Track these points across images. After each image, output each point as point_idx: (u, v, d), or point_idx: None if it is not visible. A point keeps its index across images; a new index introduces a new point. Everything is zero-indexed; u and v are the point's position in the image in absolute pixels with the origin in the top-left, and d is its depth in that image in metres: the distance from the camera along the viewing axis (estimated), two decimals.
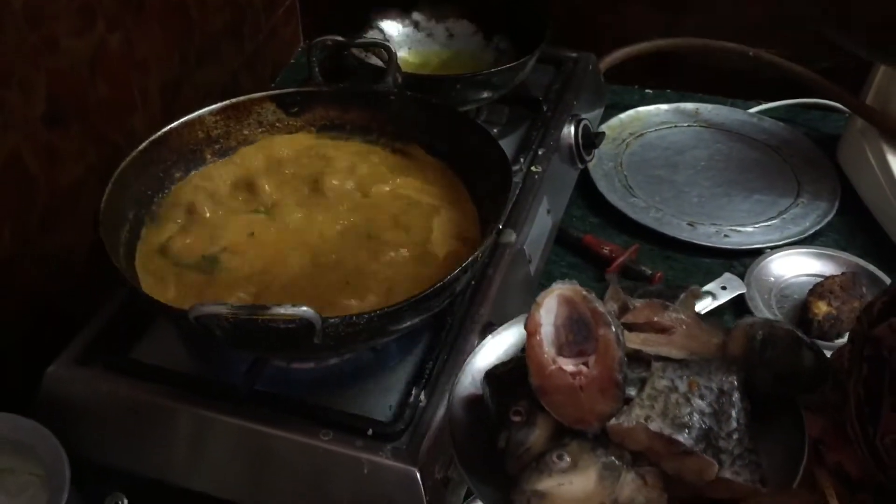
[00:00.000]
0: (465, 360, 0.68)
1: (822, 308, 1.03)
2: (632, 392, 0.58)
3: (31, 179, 0.92)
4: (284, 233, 0.86)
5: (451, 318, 0.86)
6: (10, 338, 0.92)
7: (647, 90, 1.46)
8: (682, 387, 0.58)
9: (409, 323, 0.75)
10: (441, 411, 0.78)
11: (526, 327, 0.59)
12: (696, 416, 0.56)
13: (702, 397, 0.57)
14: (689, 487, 0.57)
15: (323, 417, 0.77)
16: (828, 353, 0.99)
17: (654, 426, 0.55)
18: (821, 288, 1.05)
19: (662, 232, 1.17)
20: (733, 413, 0.58)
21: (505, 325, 0.70)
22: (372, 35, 1.23)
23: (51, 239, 0.96)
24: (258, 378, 0.80)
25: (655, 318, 0.62)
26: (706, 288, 1.07)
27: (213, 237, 0.85)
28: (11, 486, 0.83)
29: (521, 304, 1.00)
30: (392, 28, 1.25)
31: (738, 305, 1.07)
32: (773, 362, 0.61)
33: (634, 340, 0.60)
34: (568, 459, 0.56)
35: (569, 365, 0.58)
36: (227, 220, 0.87)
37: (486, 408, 0.64)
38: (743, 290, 1.07)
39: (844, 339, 1.03)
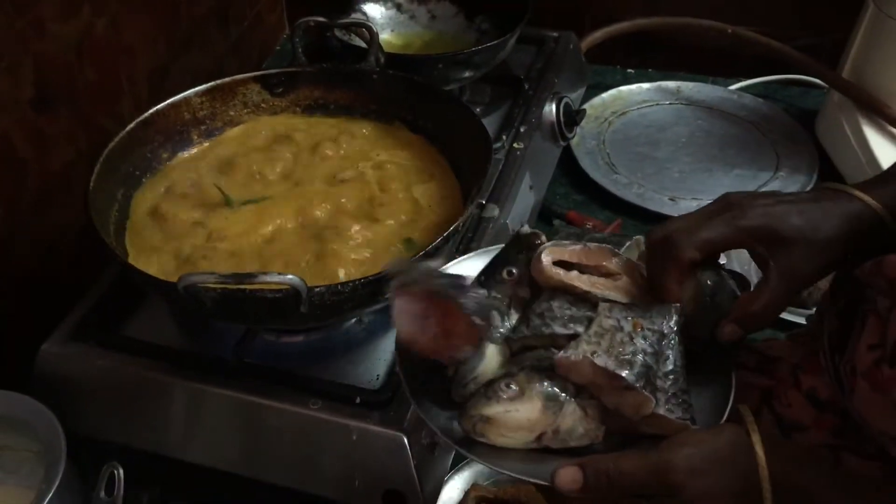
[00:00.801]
0: None
1: None
2: (579, 329, 0.60)
3: (21, 163, 0.93)
4: (274, 206, 0.87)
5: None
6: (4, 316, 0.94)
7: (628, 70, 1.48)
8: (627, 327, 0.60)
9: None
10: None
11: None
12: (638, 355, 0.59)
13: (644, 338, 0.60)
14: (624, 421, 0.60)
15: (312, 387, 0.79)
16: (804, 321, 1.02)
17: (600, 361, 0.58)
18: None
19: (645, 207, 1.19)
20: (671, 355, 0.61)
21: (454, 261, 0.73)
22: (355, 18, 1.24)
23: (43, 220, 0.98)
24: (248, 351, 0.82)
25: (604, 263, 0.64)
26: None
27: (206, 213, 0.86)
28: (8, 462, 0.85)
29: None
30: (375, 10, 1.26)
31: None
32: (720, 306, 0.64)
33: (584, 282, 0.62)
34: (515, 388, 0.59)
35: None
36: (214, 194, 0.89)
37: None
38: (723, 262, 1.09)
39: None
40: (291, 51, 1.01)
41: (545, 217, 1.18)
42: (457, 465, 0.88)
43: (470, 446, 0.60)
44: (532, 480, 0.58)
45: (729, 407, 0.62)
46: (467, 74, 1.12)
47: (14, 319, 0.95)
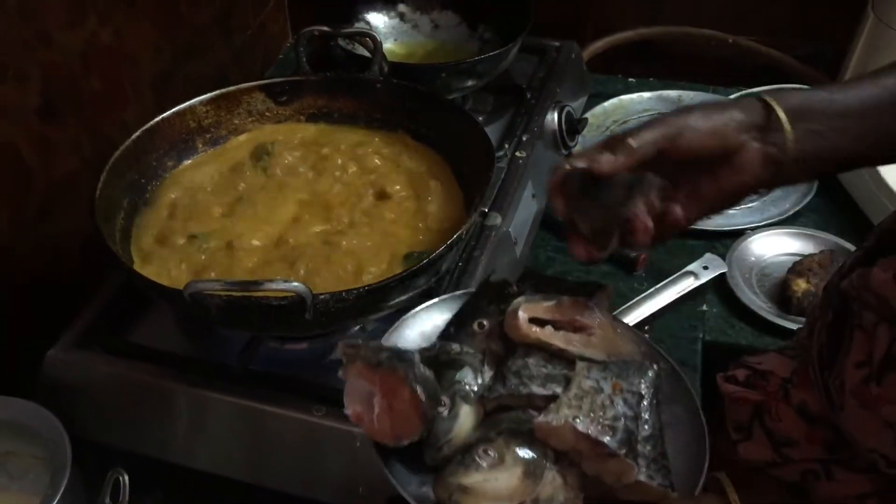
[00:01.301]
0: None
1: (801, 285, 1.06)
2: (557, 389, 0.58)
3: (27, 170, 0.94)
4: (275, 214, 0.88)
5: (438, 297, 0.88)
6: (9, 323, 0.94)
7: (630, 79, 1.49)
8: (607, 388, 0.58)
9: (396, 300, 0.77)
10: None
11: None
12: (620, 420, 0.57)
13: (624, 401, 0.58)
14: (604, 488, 0.57)
15: (315, 394, 0.80)
16: None
17: (582, 426, 0.56)
18: (800, 266, 1.08)
19: None
20: (649, 418, 0.59)
21: (424, 305, 0.69)
22: (358, 27, 1.25)
23: (47, 227, 0.98)
24: (252, 358, 0.82)
25: (577, 318, 0.63)
26: (689, 268, 1.10)
27: (210, 221, 0.87)
28: (14, 468, 0.86)
29: None
30: (378, 20, 1.27)
31: (720, 284, 1.10)
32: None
33: (560, 339, 0.61)
34: (494, 455, 0.56)
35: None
36: (225, 201, 0.90)
37: None
38: (724, 270, 1.10)
39: None
40: (295, 59, 1.02)
41: (548, 225, 1.18)
42: None
43: None
44: None
45: (704, 471, 0.59)
46: (470, 83, 1.12)
47: (19, 325, 0.95)
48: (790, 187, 1.24)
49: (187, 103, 0.94)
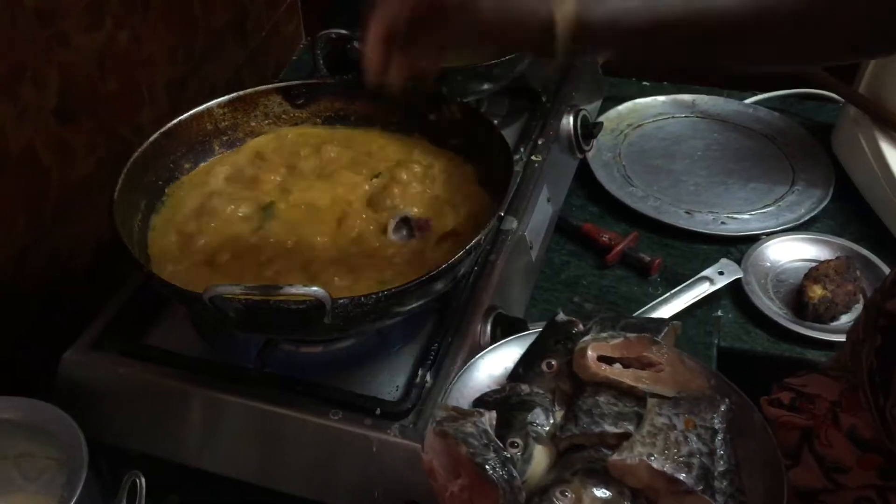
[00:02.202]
0: (458, 367, 0.70)
1: (817, 291, 1.06)
2: (629, 426, 0.59)
3: (44, 172, 0.94)
4: (298, 216, 0.88)
5: (455, 302, 0.88)
6: (26, 324, 0.95)
7: (644, 82, 1.49)
8: (680, 425, 0.58)
9: (415, 304, 0.77)
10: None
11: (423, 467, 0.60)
12: (695, 456, 0.57)
13: (698, 436, 0.58)
14: None
15: (332, 398, 0.80)
16: (824, 336, 1.02)
17: (657, 464, 0.56)
18: (816, 272, 1.08)
19: (661, 220, 1.20)
20: (724, 453, 0.59)
21: (491, 347, 0.70)
22: None
23: (63, 229, 0.98)
24: (269, 361, 0.82)
25: (645, 353, 0.63)
26: (704, 273, 1.10)
27: (227, 224, 0.87)
28: (30, 470, 0.86)
29: (522, 290, 1.03)
30: None
31: (736, 290, 1.09)
32: None
33: (629, 377, 0.61)
34: (570, 496, 0.56)
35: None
36: (240, 205, 0.90)
37: None
38: (740, 275, 1.09)
39: (840, 322, 1.06)
40: (311, 62, 1.02)
41: (562, 229, 1.18)
42: None
43: None
44: None
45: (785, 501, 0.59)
46: (486, 87, 1.12)
47: (36, 327, 0.95)
48: (805, 192, 1.24)
49: (204, 106, 0.94)
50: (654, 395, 0.61)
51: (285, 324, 0.74)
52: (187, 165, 0.94)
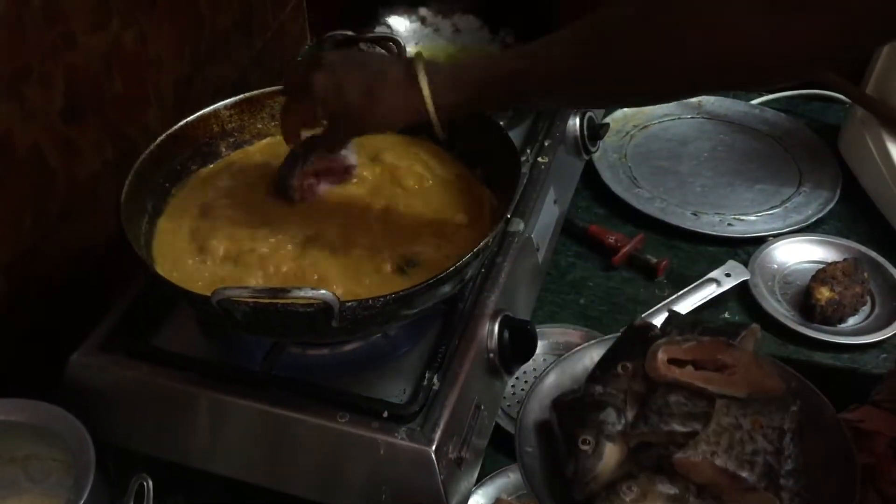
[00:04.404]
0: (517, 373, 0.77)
1: (824, 293, 1.05)
2: (697, 426, 0.60)
3: (50, 172, 0.94)
4: (300, 217, 0.88)
5: (462, 304, 0.88)
6: (33, 325, 0.95)
7: None
8: (747, 425, 0.60)
9: (422, 307, 0.77)
10: (454, 394, 0.80)
11: None
12: (759, 455, 0.59)
13: (765, 436, 0.60)
14: None
15: (339, 400, 0.79)
16: (831, 338, 1.01)
17: (720, 462, 0.58)
18: (823, 274, 1.07)
19: (667, 221, 1.19)
20: (792, 453, 0.61)
21: (570, 353, 0.75)
22: (379, 31, 1.25)
23: (69, 230, 0.98)
24: (276, 364, 0.82)
25: (718, 356, 0.65)
26: (711, 275, 1.09)
27: (233, 226, 0.87)
28: (37, 472, 0.86)
29: (529, 292, 1.03)
30: (399, 24, 1.27)
31: (743, 291, 1.09)
32: None
33: (699, 379, 0.63)
34: (637, 490, 0.59)
35: None
36: (248, 206, 0.90)
37: (554, 434, 0.68)
38: (747, 277, 1.09)
39: (848, 324, 1.06)
40: None
41: (569, 231, 1.18)
42: (481, 479, 0.88)
43: None
44: None
45: (855, 501, 0.61)
46: None
47: (42, 328, 0.95)
48: (812, 193, 1.23)
49: (211, 107, 0.94)
50: (723, 397, 0.62)
51: (293, 327, 0.74)
52: (194, 167, 0.94)
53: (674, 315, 0.73)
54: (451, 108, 0.75)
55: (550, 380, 0.74)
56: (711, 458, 0.58)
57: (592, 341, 0.76)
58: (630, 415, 0.64)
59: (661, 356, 0.64)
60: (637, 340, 0.69)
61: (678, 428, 0.61)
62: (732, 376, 0.63)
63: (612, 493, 0.59)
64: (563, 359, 0.74)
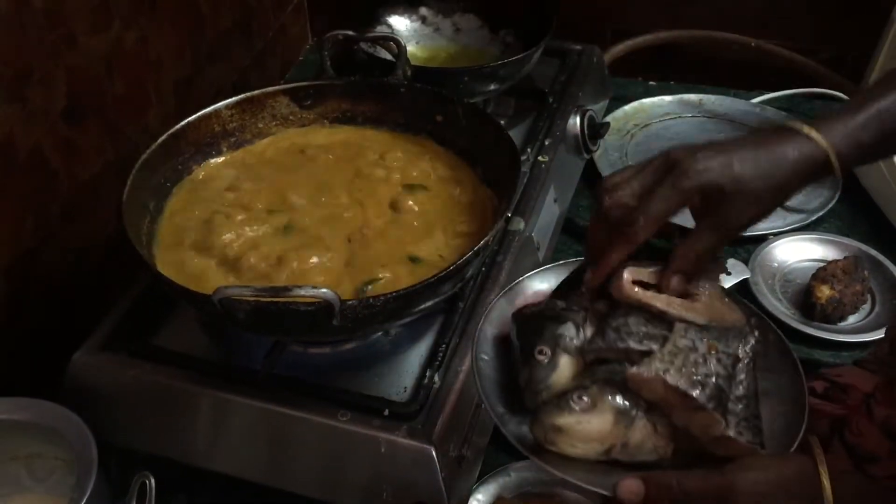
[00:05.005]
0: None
1: (825, 292, 1.05)
2: (653, 346, 0.61)
3: (52, 173, 0.95)
4: (301, 216, 0.89)
5: (462, 303, 0.88)
6: (35, 325, 0.95)
7: (651, 82, 1.48)
8: (702, 348, 0.61)
9: (423, 305, 0.77)
10: (454, 392, 0.80)
11: None
12: (711, 377, 0.59)
13: (718, 360, 0.61)
14: (694, 441, 0.60)
15: (340, 399, 0.80)
16: (832, 336, 1.02)
17: (671, 379, 0.58)
18: (824, 272, 1.07)
19: (667, 220, 1.19)
20: (744, 379, 0.61)
21: (533, 272, 0.75)
22: (380, 30, 1.25)
23: (71, 230, 0.99)
24: (277, 362, 0.82)
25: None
26: None
27: (234, 225, 0.87)
28: (39, 470, 0.86)
29: None
30: (399, 23, 1.27)
31: (743, 290, 1.09)
32: None
33: (661, 301, 0.63)
34: (587, 400, 0.59)
35: None
36: (249, 206, 0.90)
37: (511, 345, 0.68)
38: (747, 276, 1.09)
39: (848, 322, 1.06)
40: (318, 63, 1.02)
41: (569, 230, 1.18)
42: (482, 478, 0.88)
43: (540, 454, 0.61)
44: (595, 490, 0.59)
45: (800, 435, 0.62)
46: (492, 87, 1.12)
47: (44, 328, 0.96)
48: (813, 193, 1.23)
49: (212, 107, 0.94)
50: (683, 321, 0.63)
51: (294, 325, 0.74)
52: (195, 166, 0.94)
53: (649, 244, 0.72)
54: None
55: (516, 294, 0.74)
56: (664, 376, 0.58)
57: (558, 263, 0.76)
58: (589, 332, 0.64)
59: (627, 276, 0.63)
60: None
61: (634, 346, 0.61)
62: (695, 303, 0.64)
63: (563, 401, 0.59)
64: (534, 273, 0.74)
